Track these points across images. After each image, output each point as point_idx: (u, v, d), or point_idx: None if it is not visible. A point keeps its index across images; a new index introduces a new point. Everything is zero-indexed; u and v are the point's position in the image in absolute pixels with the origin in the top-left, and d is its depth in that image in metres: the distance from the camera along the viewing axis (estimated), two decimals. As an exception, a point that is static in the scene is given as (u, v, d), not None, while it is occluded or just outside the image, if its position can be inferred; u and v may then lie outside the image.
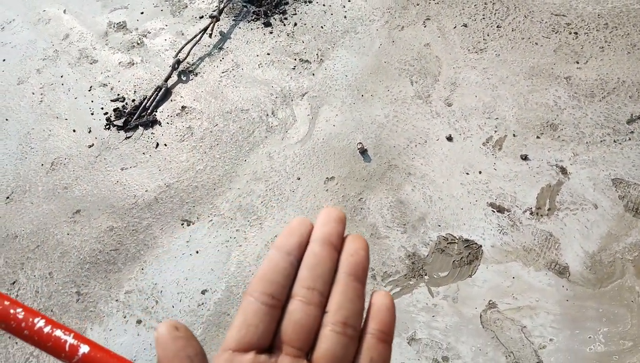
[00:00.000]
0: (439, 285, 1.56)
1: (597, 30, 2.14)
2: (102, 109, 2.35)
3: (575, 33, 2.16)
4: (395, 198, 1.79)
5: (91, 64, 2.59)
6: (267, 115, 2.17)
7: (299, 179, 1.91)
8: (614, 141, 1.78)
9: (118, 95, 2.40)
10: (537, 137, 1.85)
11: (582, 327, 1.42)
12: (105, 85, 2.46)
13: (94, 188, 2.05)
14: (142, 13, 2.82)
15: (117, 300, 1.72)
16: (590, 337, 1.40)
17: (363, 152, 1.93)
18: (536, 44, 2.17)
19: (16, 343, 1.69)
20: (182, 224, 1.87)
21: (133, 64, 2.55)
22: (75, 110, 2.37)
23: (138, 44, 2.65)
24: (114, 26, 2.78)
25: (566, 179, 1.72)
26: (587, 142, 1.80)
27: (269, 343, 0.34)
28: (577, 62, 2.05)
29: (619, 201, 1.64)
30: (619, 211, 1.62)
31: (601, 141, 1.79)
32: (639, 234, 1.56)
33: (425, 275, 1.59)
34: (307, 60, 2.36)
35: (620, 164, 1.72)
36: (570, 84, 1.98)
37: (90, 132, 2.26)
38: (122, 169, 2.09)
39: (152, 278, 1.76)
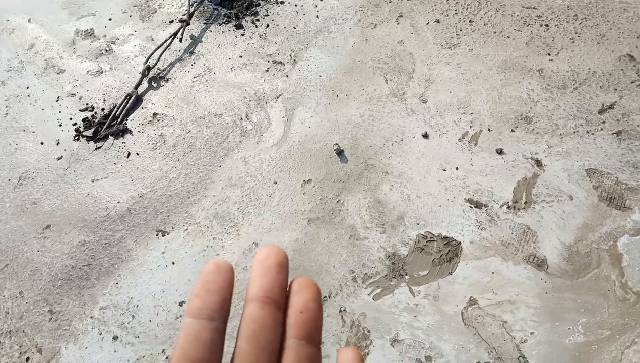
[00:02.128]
0: (419, 285, 1.55)
1: (567, 21, 2.16)
2: (71, 119, 2.28)
3: (546, 25, 2.17)
4: (373, 199, 1.77)
5: (58, 73, 2.51)
6: (241, 119, 2.13)
7: (275, 183, 1.88)
8: (587, 132, 1.79)
9: (87, 104, 2.33)
10: (512, 131, 1.86)
11: (561, 319, 1.42)
12: (73, 95, 2.39)
13: (64, 202, 1.99)
14: (110, 19, 2.75)
15: (91, 317, 1.66)
16: (569, 328, 1.40)
17: (339, 153, 1.91)
18: (508, 37, 2.17)
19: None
20: (157, 235, 1.82)
21: (102, 72, 2.48)
22: (43, 122, 2.30)
23: (107, 51, 2.58)
24: (81, 34, 2.70)
25: (541, 171, 1.73)
26: (560, 134, 1.81)
27: None
28: (549, 54, 2.06)
29: (593, 191, 1.64)
30: (593, 201, 1.63)
31: (574, 132, 1.80)
32: (613, 223, 1.57)
33: (406, 274, 1.57)
34: (280, 62, 2.32)
35: (593, 154, 1.73)
36: (542, 76, 1.99)
37: (58, 144, 2.19)
38: (92, 181, 2.03)
39: (127, 292, 1.70)
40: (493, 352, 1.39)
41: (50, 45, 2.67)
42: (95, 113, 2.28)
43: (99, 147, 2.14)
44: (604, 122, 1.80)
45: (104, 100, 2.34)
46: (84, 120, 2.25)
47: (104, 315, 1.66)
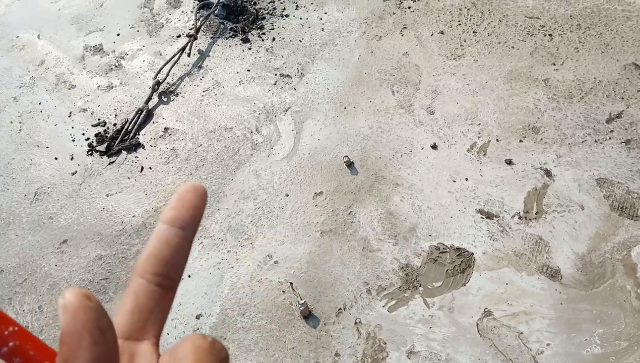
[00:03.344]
0: (434, 296, 1.57)
1: (570, 31, 2.18)
2: (84, 134, 2.31)
3: (550, 35, 2.20)
4: (384, 210, 1.79)
5: (69, 89, 2.55)
6: (252, 132, 2.16)
7: (287, 195, 1.91)
8: (595, 141, 1.81)
9: (99, 119, 2.36)
10: (520, 141, 1.88)
11: (577, 330, 1.43)
12: (85, 110, 2.42)
13: (79, 216, 2.01)
14: (118, 35, 2.79)
15: (109, 332, 1.68)
16: (586, 339, 1.41)
17: (349, 165, 1.93)
18: (512, 47, 2.20)
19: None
20: (172, 249, 1.85)
21: (112, 87, 2.51)
22: (56, 137, 2.33)
23: (116, 66, 2.62)
24: (90, 49, 2.74)
25: (551, 181, 1.75)
26: (569, 144, 1.83)
27: (161, 330, 0.31)
28: (554, 64, 2.08)
29: (605, 201, 1.66)
30: (605, 211, 1.64)
31: (583, 141, 1.82)
32: (626, 233, 1.59)
33: (420, 286, 1.59)
34: (287, 75, 2.35)
35: (602, 163, 1.75)
36: (548, 86, 2.02)
37: (72, 159, 2.22)
38: (107, 195, 2.05)
39: (144, 306, 1.72)
40: None
41: (61, 61, 2.71)
42: (108, 128, 2.31)
43: (113, 162, 2.17)
44: (612, 131, 1.83)
45: (116, 115, 2.37)
46: (96, 135, 2.28)
47: (121, 330, 1.67)
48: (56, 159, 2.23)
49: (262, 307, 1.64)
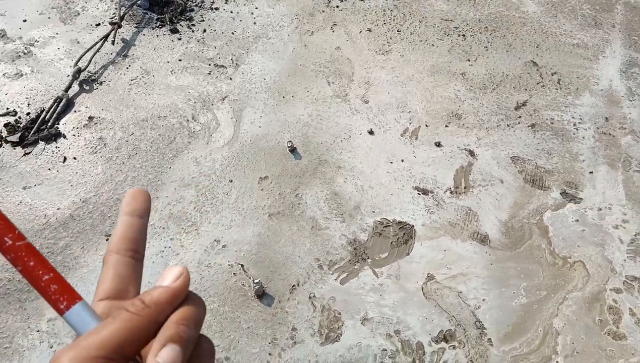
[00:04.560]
0: (381, 266, 1.65)
1: (480, 32, 2.47)
2: (-11, 124, 2.06)
3: (463, 35, 2.46)
4: (329, 191, 1.85)
5: (-33, 76, 2.25)
6: (188, 120, 2.10)
7: (231, 181, 1.88)
8: (507, 125, 2.06)
9: (7, 109, 2.12)
10: (446, 126, 2.07)
11: (506, 285, 1.61)
12: (-11, 98, 2.16)
13: (-11, 213, 1.78)
14: (24, 21, 2.54)
15: (38, 331, 1.51)
16: (514, 292, 1.60)
17: (293, 150, 1.97)
18: (433, 45, 2.42)
19: None
20: (107, 239, 1.72)
21: (22, 75, 2.28)
22: (-47, 127, 2.04)
23: (25, 53, 2.38)
24: (-10, 34, 2.45)
25: (475, 160, 1.95)
26: (486, 127, 2.06)
27: (139, 291, 0.38)
28: (469, 60, 2.34)
29: (519, 175, 1.90)
30: (520, 183, 1.88)
31: (497, 126, 2.06)
32: (538, 201, 1.83)
33: (368, 258, 1.67)
34: (222, 65, 2.33)
35: (515, 144, 2.00)
36: (465, 79, 2.25)
37: (-24, 151, 1.96)
38: (24, 188, 1.85)
39: (77, 303, 1.58)
40: (453, 319, 1.54)
41: (-47, 45, 2.39)
42: (20, 118, 2.09)
43: (28, 153, 1.96)
44: (520, 116, 2.09)
45: (29, 104, 2.15)
46: (6, 125, 2.05)
47: (54, 327, 1.51)
48: (-44, 150, 1.96)
49: (213, 291, 1.60)
